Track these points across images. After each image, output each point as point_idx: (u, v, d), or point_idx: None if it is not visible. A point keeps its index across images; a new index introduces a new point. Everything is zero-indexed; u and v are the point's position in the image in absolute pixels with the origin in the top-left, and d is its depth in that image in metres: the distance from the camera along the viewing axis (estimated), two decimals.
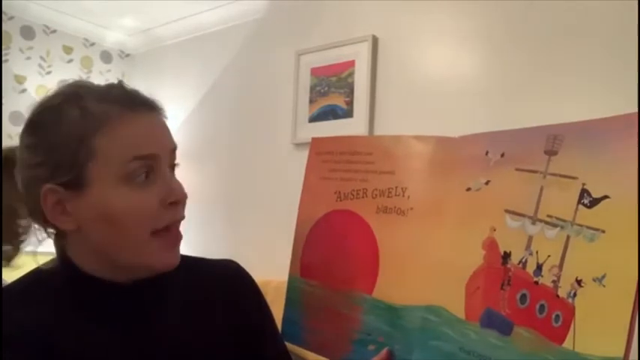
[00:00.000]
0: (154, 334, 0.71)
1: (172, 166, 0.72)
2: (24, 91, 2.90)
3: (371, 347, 0.74)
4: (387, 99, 2.24)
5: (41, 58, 2.99)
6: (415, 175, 0.74)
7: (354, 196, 0.81)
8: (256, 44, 2.74)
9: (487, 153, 0.68)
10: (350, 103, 2.30)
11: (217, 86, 2.88)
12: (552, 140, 0.61)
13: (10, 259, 0.72)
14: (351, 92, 2.30)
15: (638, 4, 1.56)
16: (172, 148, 0.72)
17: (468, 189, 0.69)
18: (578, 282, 0.56)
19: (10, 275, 0.73)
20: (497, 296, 0.63)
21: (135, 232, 0.67)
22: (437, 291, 0.69)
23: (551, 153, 0.61)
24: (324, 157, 0.86)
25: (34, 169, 0.67)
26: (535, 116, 1.70)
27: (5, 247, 0.72)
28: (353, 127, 2.25)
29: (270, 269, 1.94)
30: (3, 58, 2.83)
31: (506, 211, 0.64)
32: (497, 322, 0.62)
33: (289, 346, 0.86)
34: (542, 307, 0.59)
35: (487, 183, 0.67)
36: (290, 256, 0.88)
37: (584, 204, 0.57)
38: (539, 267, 0.60)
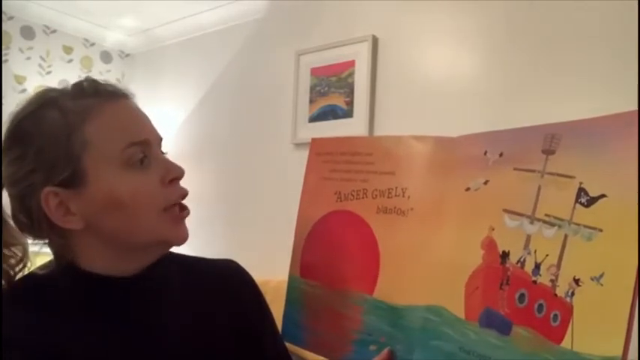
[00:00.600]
0: (154, 334, 0.72)
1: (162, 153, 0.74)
2: (24, 91, 2.90)
3: (372, 347, 0.75)
4: (387, 99, 2.24)
5: (41, 58, 2.99)
6: (415, 176, 0.75)
7: (354, 197, 0.81)
8: (256, 44, 2.74)
9: (486, 153, 0.68)
10: (350, 103, 2.30)
11: (217, 86, 2.88)
12: (550, 139, 0.61)
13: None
14: (351, 92, 2.31)
15: (638, 4, 1.56)
16: (160, 137, 0.74)
17: (467, 189, 0.69)
18: (576, 281, 0.56)
19: None
20: (496, 296, 0.63)
21: (144, 212, 0.68)
22: (437, 291, 0.69)
23: (548, 152, 0.61)
24: (324, 157, 0.86)
25: (26, 178, 0.67)
26: (535, 116, 1.70)
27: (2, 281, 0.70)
28: (353, 127, 2.25)
29: (270, 269, 1.94)
30: (3, 58, 2.83)
31: (505, 210, 0.64)
32: (496, 322, 0.62)
33: (289, 346, 0.86)
34: (540, 306, 0.59)
35: (486, 183, 0.67)
36: (289, 256, 0.88)
37: (581, 203, 0.57)
38: (537, 266, 0.60)
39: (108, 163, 0.67)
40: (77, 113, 0.67)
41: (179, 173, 0.72)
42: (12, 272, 0.70)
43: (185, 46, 3.09)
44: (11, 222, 0.70)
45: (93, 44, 3.22)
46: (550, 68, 1.83)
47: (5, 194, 0.70)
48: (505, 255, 0.63)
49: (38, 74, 2.97)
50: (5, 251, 0.69)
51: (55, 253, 0.72)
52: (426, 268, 0.71)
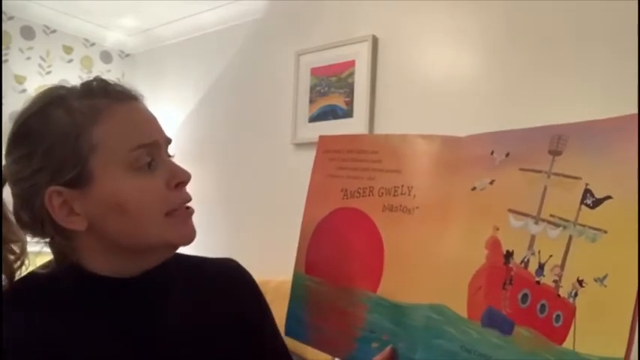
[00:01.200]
0: (155, 334, 0.72)
1: (168, 156, 0.74)
2: (24, 91, 2.90)
3: (374, 345, 0.75)
4: (386, 99, 2.24)
5: (41, 58, 2.99)
6: (421, 174, 0.74)
7: (360, 195, 0.81)
8: (256, 44, 2.74)
9: (492, 153, 0.68)
10: (350, 103, 2.30)
11: (217, 86, 2.88)
12: (557, 140, 0.61)
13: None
14: (351, 92, 2.31)
15: (638, 4, 1.56)
16: (168, 139, 0.73)
17: (473, 188, 0.69)
18: (580, 282, 0.56)
19: None
20: (499, 295, 0.63)
21: (148, 216, 0.68)
22: (440, 290, 0.69)
23: (555, 153, 0.61)
24: (332, 155, 0.86)
25: (31, 177, 0.66)
26: (535, 117, 1.71)
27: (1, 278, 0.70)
28: (353, 127, 2.25)
29: (270, 269, 1.94)
30: (3, 58, 2.83)
31: (510, 210, 0.64)
32: (498, 322, 0.62)
33: (290, 344, 0.86)
34: (543, 306, 0.59)
35: (492, 182, 0.67)
36: (290, 256, 0.88)
37: (587, 204, 0.57)
38: (541, 267, 0.59)
39: (115, 164, 0.66)
40: (86, 114, 0.67)
41: (185, 178, 0.71)
42: (11, 269, 0.70)
43: (185, 46, 3.09)
44: (11, 218, 0.70)
45: (93, 44, 3.22)
46: (550, 68, 1.83)
47: (6, 191, 0.70)
48: (509, 255, 0.63)
49: (38, 74, 2.97)
50: (4, 248, 0.69)
51: (56, 253, 0.72)
52: (430, 267, 0.71)
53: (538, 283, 0.60)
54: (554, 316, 0.57)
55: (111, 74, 3.27)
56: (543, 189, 0.61)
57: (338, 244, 0.83)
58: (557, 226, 0.59)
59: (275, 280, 1.86)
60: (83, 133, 0.66)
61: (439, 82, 2.09)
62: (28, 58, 2.94)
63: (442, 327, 0.67)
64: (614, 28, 1.71)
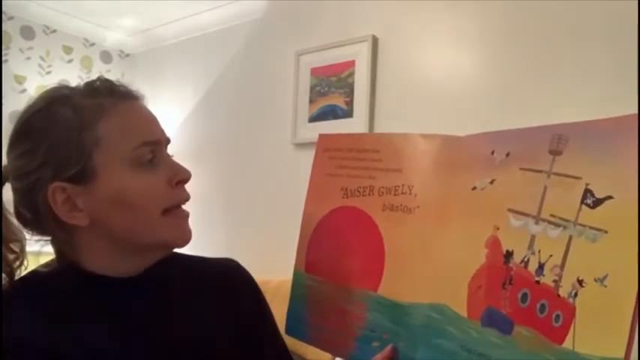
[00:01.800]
0: (154, 334, 0.72)
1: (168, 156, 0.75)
2: (24, 91, 2.90)
3: (375, 344, 0.75)
4: (386, 99, 2.24)
5: (41, 58, 2.99)
6: (422, 174, 0.75)
7: (360, 193, 0.81)
8: (256, 44, 2.74)
9: (493, 152, 0.68)
10: (350, 103, 2.30)
11: (217, 86, 2.88)
12: (557, 140, 0.61)
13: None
14: (351, 92, 2.31)
15: (638, 4, 1.56)
16: (168, 139, 0.75)
17: (474, 188, 0.69)
18: (580, 282, 0.56)
19: None
20: (499, 295, 0.63)
21: (148, 211, 0.69)
22: (441, 289, 0.69)
23: (555, 153, 0.61)
24: (331, 153, 0.86)
25: (34, 173, 0.67)
26: (535, 116, 1.71)
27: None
28: (353, 127, 2.25)
29: (270, 269, 1.94)
30: (3, 58, 2.83)
31: (510, 210, 0.64)
32: (497, 321, 0.62)
33: (291, 344, 0.86)
34: (542, 306, 0.59)
35: (492, 182, 0.67)
36: (290, 256, 0.88)
37: (587, 204, 0.57)
38: (540, 266, 0.60)
39: (118, 161, 0.68)
40: (91, 111, 0.68)
41: (186, 176, 0.73)
42: (10, 268, 0.70)
43: (185, 46, 3.09)
44: (11, 218, 0.70)
45: (93, 44, 3.22)
46: (550, 68, 1.83)
47: (6, 192, 0.70)
48: (509, 254, 0.63)
49: (38, 74, 2.97)
50: (4, 247, 0.69)
51: (57, 250, 0.72)
52: (430, 267, 0.71)
53: (538, 282, 0.60)
54: (553, 315, 0.57)
55: (111, 74, 3.24)
56: (543, 189, 0.61)
57: (338, 243, 0.83)
58: (558, 225, 0.59)
59: (275, 280, 1.86)
60: (87, 128, 0.67)
61: (439, 82, 2.09)
62: (28, 58, 2.94)
63: (442, 326, 0.67)
64: (614, 28, 1.71)
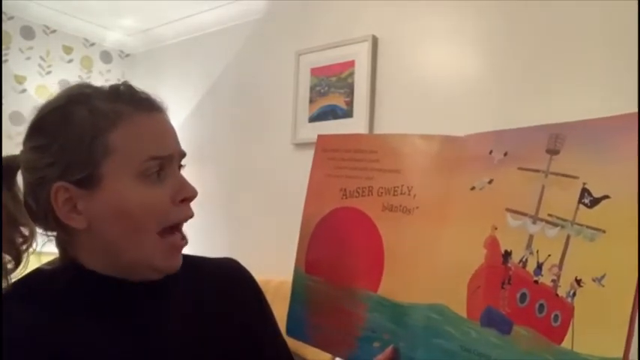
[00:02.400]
0: (155, 334, 0.72)
1: (179, 167, 0.74)
2: (24, 91, 2.90)
3: (376, 344, 0.75)
4: (387, 99, 2.24)
5: (41, 58, 2.99)
6: (421, 174, 0.75)
7: (359, 194, 0.81)
8: (256, 44, 2.74)
9: (491, 152, 0.68)
10: (350, 103, 2.31)
11: (217, 86, 2.88)
12: (554, 139, 0.61)
13: (8, 272, 0.71)
14: (351, 92, 2.31)
15: (638, 4, 1.56)
16: (183, 152, 0.74)
17: (472, 188, 0.69)
18: (578, 282, 0.56)
19: None
20: (498, 295, 0.63)
21: (146, 228, 0.68)
22: (440, 289, 0.69)
23: (552, 152, 0.61)
24: (330, 154, 0.86)
25: (43, 170, 0.67)
26: (535, 116, 1.71)
27: (5, 259, 0.71)
28: (353, 127, 2.25)
29: (270, 269, 1.94)
30: (3, 58, 2.83)
31: (508, 210, 0.64)
32: (497, 321, 0.62)
33: (290, 344, 0.86)
34: (541, 306, 0.59)
35: (490, 182, 0.67)
36: (290, 256, 0.88)
37: (584, 203, 0.57)
38: (539, 266, 0.60)
39: (125, 172, 0.67)
40: (107, 117, 0.67)
41: (191, 194, 0.71)
42: (18, 251, 0.71)
43: (185, 46, 3.09)
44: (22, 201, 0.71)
45: (93, 44, 3.22)
46: (550, 68, 1.83)
47: (5, 201, 0.71)
48: (507, 254, 0.63)
49: (38, 74, 2.97)
50: (13, 229, 0.70)
51: (60, 248, 0.73)
52: (429, 267, 0.71)
53: (536, 282, 0.60)
54: (552, 315, 0.58)
55: (111, 74, 3.27)
56: (541, 188, 0.61)
57: (338, 243, 0.83)
58: (555, 225, 0.59)
59: (276, 280, 1.86)
60: (100, 135, 0.66)
61: (439, 81, 2.09)
62: (28, 58, 2.94)
63: (442, 327, 0.68)
64: (614, 28, 1.71)
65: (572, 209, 0.58)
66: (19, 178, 0.72)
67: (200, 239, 2.60)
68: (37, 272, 0.72)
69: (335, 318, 0.80)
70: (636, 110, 0.54)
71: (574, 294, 0.56)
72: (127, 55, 3.38)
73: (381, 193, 0.78)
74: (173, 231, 0.71)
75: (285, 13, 2.63)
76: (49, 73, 3.01)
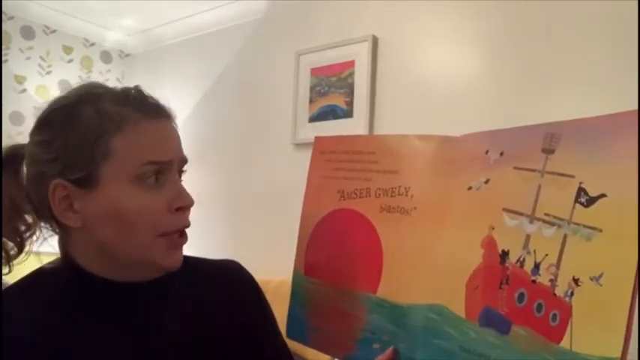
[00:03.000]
0: (155, 334, 0.72)
1: (180, 172, 0.73)
2: (24, 91, 2.91)
3: (376, 346, 0.75)
4: (387, 99, 2.24)
5: (41, 58, 3.00)
6: (418, 175, 0.75)
7: (357, 196, 0.81)
8: (256, 44, 2.74)
9: (487, 152, 0.68)
10: (350, 103, 2.31)
11: (217, 86, 2.89)
12: (550, 138, 0.61)
13: (11, 258, 0.72)
14: (351, 92, 2.31)
15: (638, 4, 1.56)
16: (184, 159, 0.73)
17: (469, 188, 0.69)
18: (575, 281, 0.56)
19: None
20: (496, 295, 0.63)
21: (142, 233, 0.68)
22: (439, 290, 0.69)
23: (548, 151, 0.61)
24: (328, 156, 0.86)
25: (44, 164, 0.68)
26: (535, 116, 1.70)
27: (8, 246, 0.72)
28: (353, 127, 2.25)
29: (270, 269, 1.94)
30: (3, 58, 2.83)
31: (505, 209, 0.64)
32: (495, 321, 0.62)
33: (292, 345, 0.86)
34: (539, 306, 0.59)
35: (487, 182, 0.67)
36: (290, 256, 0.88)
37: (581, 203, 0.57)
38: (536, 266, 0.60)
39: (123, 176, 0.67)
40: (112, 120, 0.67)
41: (187, 203, 0.71)
42: (20, 239, 0.72)
43: (185, 46, 3.09)
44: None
45: (93, 44, 3.23)
46: (550, 68, 1.83)
47: (11, 188, 0.72)
48: (505, 254, 0.63)
49: (38, 74, 2.97)
50: (16, 216, 0.72)
51: (60, 247, 0.73)
52: (428, 268, 0.71)
53: (534, 282, 0.60)
54: (550, 315, 0.57)
55: (111, 74, 3.27)
56: (537, 188, 0.61)
57: (336, 245, 0.83)
58: (552, 224, 0.59)
59: (276, 280, 1.87)
60: (102, 138, 0.66)
61: (439, 81, 2.09)
62: (28, 58, 2.95)
63: (441, 327, 0.67)
64: (614, 28, 1.71)
65: (568, 208, 0.58)
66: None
67: (200, 239, 2.59)
68: (39, 272, 0.72)
69: (335, 320, 0.80)
70: (636, 109, 0.54)
71: (572, 293, 0.56)
72: (127, 55, 3.38)
73: (379, 194, 0.78)
74: (171, 234, 0.70)
75: (285, 13, 2.63)
76: (49, 73, 3.02)
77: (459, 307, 0.66)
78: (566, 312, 0.56)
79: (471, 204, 0.68)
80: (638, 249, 0.51)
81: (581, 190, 0.57)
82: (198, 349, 0.74)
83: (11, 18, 2.88)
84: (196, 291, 0.79)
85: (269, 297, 0.88)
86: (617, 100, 1.61)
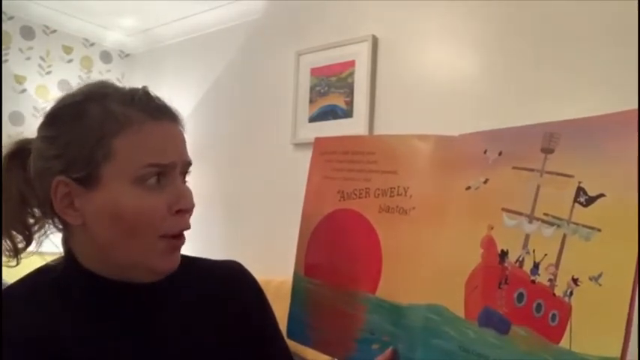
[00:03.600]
0: (156, 334, 0.72)
1: (184, 174, 0.73)
2: (24, 91, 2.91)
3: (375, 346, 0.75)
4: (386, 99, 2.24)
5: (41, 58, 3.00)
6: (417, 175, 0.74)
7: (356, 196, 0.81)
8: (256, 44, 2.74)
9: (485, 151, 0.68)
10: (350, 103, 2.31)
11: (217, 86, 2.89)
12: (549, 138, 0.61)
13: (19, 251, 0.73)
14: (350, 92, 2.31)
15: (638, 4, 1.56)
16: (187, 161, 0.73)
17: (468, 188, 0.69)
18: (575, 281, 0.56)
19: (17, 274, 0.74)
20: (495, 295, 0.63)
21: (141, 234, 0.67)
22: (438, 290, 0.69)
23: (547, 151, 0.61)
24: (328, 156, 0.86)
25: (49, 160, 0.68)
26: (535, 116, 1.70)
27: (17, 239, 0.73)
28: (353, 127, 2.25)
29: (270, 269, 1.94)
30: (3, 58, 2.83)
31: (504, 209, 0.64)
32: (494, 321, 0.62)
33: (293, 345, 0.86)
34: (539, 305, 0.59)
35: (485, 182, 0.67)
36: (290, 255, 0.88)
37: (580, 202, 0.57)
38: (535, 266, 0.59)
39: (123, 177, 0.67)
40: (117, 120, 0.67)
41: (188, 206, 0.70)
42: (29, 232, 0.73)
43: (185, 46, 3.09)
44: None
45: (93, 44, 3.23)
46: (550, 68, 1.83)
47: (19, 181, 0.72)
48: (504, 254, 0.63)
49: (38, 74, 2.98)
50: (24, 209, 0.73)
51: (62, 244, 0.74)
52: (427, 267, 0.71)
53: (533, 282, 0.59)
54: (550, 315, 0.57)
55: (111, 74, 3.27)
56: (536, 187, 0.61)
57: (336, 245, 0.83)
58: (551, 224, 0.59)
59: (276, 280, 1.87)
60: (105, 138, 0.66)
61: (439, 81, 2.09)
62: (28, 58, 2.95)
63: (440, 327, 0.67)
64: (614, 28, 1.71)
65: (567, 208, 0.58)
66: None
67: (200, 239, 2.59)
68: (42, 270, 0.73)
69: (334, 320, 0.80)
70: (635, 108, 0.54)
71: (571, 293, 0.56)
72: (127, 55, 3.38)
73: (378, 194, 0.78)
74: (171, 236, 0.70)
75: (285, 13, 2.63)
76: (49, 73, 3.02)
77: (458, 307, 0.66)
78: (566, 312, 0.56)
79: (470, 204, 0.68)
80: (638, 248, 0.51)
81: (580, 190, 0.57)
82: (198, 349, 0.74)
83: (11, 18, 2.88)
84: (198, 291, 0.79)
85: (269, 297, 0.88)
86: (617, 100, 1.61)
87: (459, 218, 0.69)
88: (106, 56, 3.29)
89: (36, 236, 0.74)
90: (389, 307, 0.74)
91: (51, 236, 0.75)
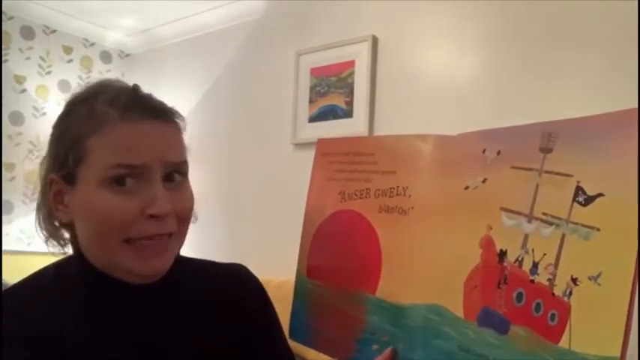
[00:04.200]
0: (157, 335, 0.72)
1: (172, 175, 0.69)
2: (24, 91, 2.91)
3: (375, 347, 0.75)
4: (386, 99, 2.24)
5: (41, 58, 3.00)
6: (416, 174, 0.75)
7: (357, 197, 0.81)
8: (256, 44, 2.74)
9: (484, 151, 0.68)
10: (350, 103, 2.31)
11: (217, 86, 2.89)
12: (547, 137, 0.61)
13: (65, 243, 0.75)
14: (350, 92, 2.31)
15: (638, 4, 1.56)
16: (172, 162, 0.69)
17: (467, 187, 0.69)
18: (574, 280, 0.56)
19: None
20: (494, 295, 0.63)
21: (107, 235, 0.66)
22: (437, 290, 0.69)
23: (546, 150, 0.61)
24: (330, 158, 0.86)
25: (47, 158, 0.71)
26: (534, 116, 1.70)
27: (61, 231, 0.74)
28: (353, 127, 2.25)
29: (271, 269, 1.94)
30: (3, 58, 2.83)
31: (503, 209, 0.64)
32: (494, 321, 0.62)
33: (295, 346, 0.86)
34: (538, 305, 0.59)
35: (484, 181, 0.67)
36: (290, 255, 0.88)
37: (579, 202, 0.57)
38: (535, 265, 0.59)
39: (94, 177, 0.66)
40: (96, 121, 0.66)
41: (159, 212, 0.66)
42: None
43: (185, 46, 3.09)
44: None
45: (93, 44, 3.23)
46: (549, 68, 1.83)
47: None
48: (503, 254, 0.63)
49: (38, 74, 2.98)
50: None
51: (70, 242, 0.74)
52: (426, 267, 0.71)
53: (532, 281, 0.59)
54: (549, 314, 0.57)
55: (111, 74, 3.27)
56: (535, 187, 0.61)
57: (337, 246, 0.83)
58: (550, 224, 0.59)
59: (277, 280, 1.86)
60: (81, 139, 0.67)
61: (439, 81, 2.09)
62: (28, 58, 2.95)
63: (440, 327, 0.67)
64: (614, 28, 1.71)
65: (566, 208, 0.58)
66: None
67: (199, 239, 2.60)
68: (51, 267, 0.73)
69: (336, 321, 0.81)
70: (635, 108, 0.54)
71: (570, 293, 0.56)
72: (127, 55, 3.38)
73: (378, 194, 0.78)
74: (143, 239, 0.67)
75: (285, 13, 2.63)
76: (48, 73, 3.02)
77: (457, 307, 0.66)
78: (565, 311, 0.56)
79: (469, 203, 0.68)
80: (638, 248, 0.51)
81: (579, 189, 0.57)
82: (201, 351, 0.74)
83: (11, 18, 2.88)
84: (202, 294, 0.79)
85: (270, 296, 0.88)
86: (617, 100, 1.61)
87: (458, 218, 0.69)
88: (106, 56, 3.29)
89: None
90: (388, 307, 0.74)
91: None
